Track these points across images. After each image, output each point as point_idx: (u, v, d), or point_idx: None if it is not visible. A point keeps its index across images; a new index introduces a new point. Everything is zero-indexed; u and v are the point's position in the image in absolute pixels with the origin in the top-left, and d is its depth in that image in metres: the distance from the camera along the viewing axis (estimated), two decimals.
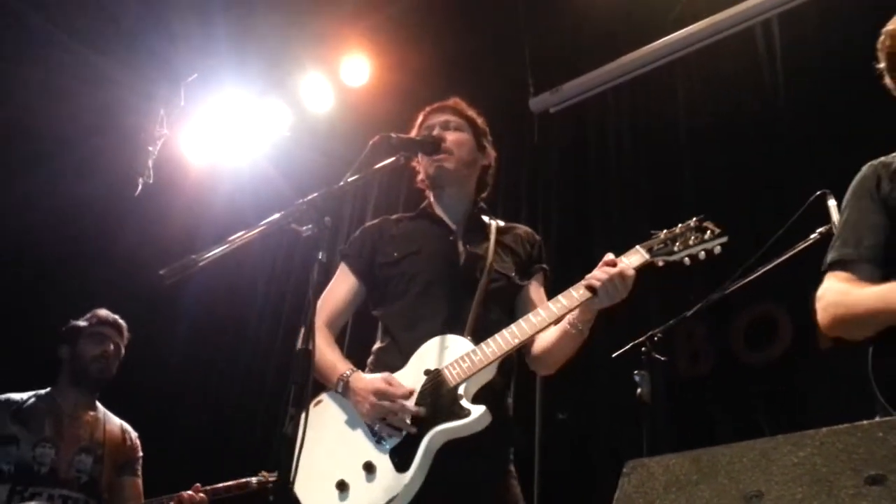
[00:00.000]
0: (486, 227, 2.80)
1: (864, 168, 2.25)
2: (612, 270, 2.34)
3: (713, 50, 4.75)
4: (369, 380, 2.42)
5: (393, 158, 2.55)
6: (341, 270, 2.75)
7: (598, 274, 2.37)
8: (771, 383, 3.98)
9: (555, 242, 5.01)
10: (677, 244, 2.36)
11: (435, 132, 2.80)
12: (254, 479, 3.82)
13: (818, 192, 3.04)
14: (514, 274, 2.71)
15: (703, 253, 2.35)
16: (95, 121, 5.31)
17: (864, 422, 1.28)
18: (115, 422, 3.96)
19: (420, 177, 2.87)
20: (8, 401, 3.74)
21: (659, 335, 3.21)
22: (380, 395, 2.35)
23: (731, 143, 4.52)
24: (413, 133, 2.88)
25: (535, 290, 2.76)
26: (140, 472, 3.94)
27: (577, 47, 5.23)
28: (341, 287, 2.71)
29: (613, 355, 3.25)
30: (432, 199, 2.86)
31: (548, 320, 2.41)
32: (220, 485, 3.81)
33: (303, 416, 1.87)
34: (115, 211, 5.68)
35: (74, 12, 5.03)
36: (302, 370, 1.94)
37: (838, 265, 2.16)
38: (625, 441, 4.11)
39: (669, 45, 4.82)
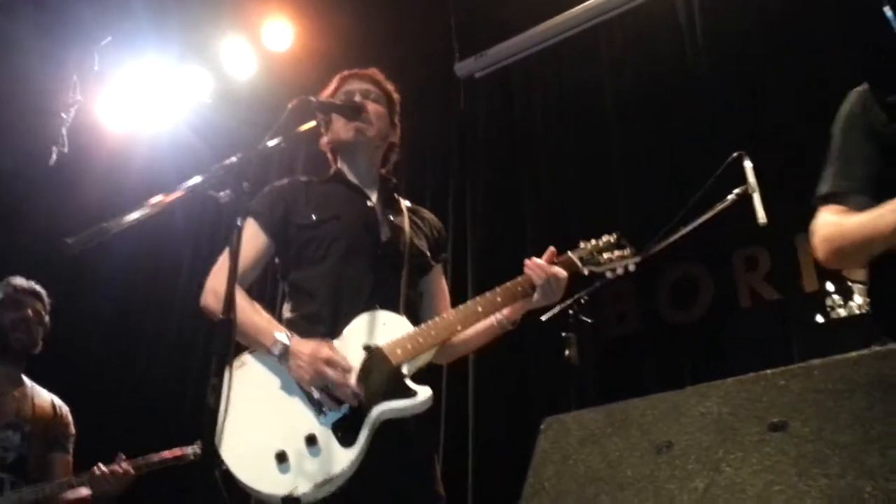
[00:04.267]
0: (398, 202, 2.80)
1: (850, 95, 2.18)
2: (550, 270, 2.49)
3: (635, 14, 4.80)
4: (315, 345, 2.32)
5: (314, 123, 2.50)
6: (250, 226, 2.58)
7: (536, 270, 2.48)
8: (695, 341, 4.10)
9: (483, 208, 5.04)
10: (603, 256, 2.61)
11: (356, 98, 2.75)
12: (189, 449, 3.59)
13: (735, 154, 3.11)
14: (428, 254, 2.73)
15: (621, 269, 2.61)
16: (4, 88, 5.07)
17: (768, 371, 1.32)
18: (45, 396, 3.78)
19: (326, 140, 2.81)
20: None
21: (585, 297, 3.26)
22: (328, 362, 2.28)
23: (653, 105, 4.60)
24: (326, 96, 2.82)
25: (439, 278, 2.81)
26: (70, 449, 3.78)
27: (501, 12, 5.21)
28: (251, 244, 2.55)
29: (542, 318, 3.29)
30: (342, 165, 2.80)
31: (488, 311, 2.48)
32: (154, 456, 3.57)
33: (224, 387, 1.83)
34: (29, 181, 5.46)
35: None
36: (223, 340, 1.91)
37: (831, 198, 2.11)
38: (555, 402, 4.19)
39: (592, 9, 4.85)
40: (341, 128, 2.72)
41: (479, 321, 2.50)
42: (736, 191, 3.10)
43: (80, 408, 3.99)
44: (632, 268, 2.60)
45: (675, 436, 1.32)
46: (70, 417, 3.83)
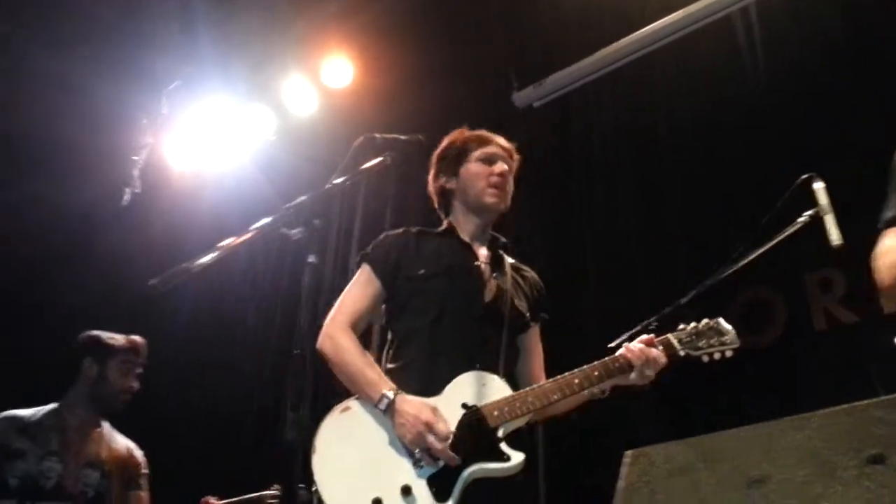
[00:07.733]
0: (504, 260, 2.84)
1: None
2: (650, 354, 2.53)
3: (693, 38, 4.76)
4: (419, 407, 2.40)
5: (379, 159, 2.55)
6: (364, 273, 2.69)
7: (636, 354, 2.53)
8: (767, 367, 4.00)
9: (543, 239, 5.01)
10: (702, 342, 2.61)
11: (497, 166, 2.81)
12: (267, 493, 3.77)
13: (804, 176, 3.05)
14: (528, 315, 2.77)
15: (718, 354, 2.60)
16: (78, 132, 5.27)
17: (862, 402, 1.28)
18: (120, 440, 3.88)
19: (445, 185, 2.87)
20: (14, 417, 3.64)
21: (654, 323, 3.21)
22: (429, 427, 2.35)
23: (716, 130, 4.53)
24: (458, 144, 2.89)
25: (536, 337, 2.85)
26: (146, 487, 3.85)
27: (558, 41, 5.22)
28: (366, 290, 2.67)
29: (610, 345, 3.25)
30: (458, 216, 2.86)
31: (583, 385, 2.51)
32: (233, 500, 3.78)
33: (296, 420, 1.88)
34: (101, 220, 5.64)
35: (53, 24, 5.00)
36: (298, 375, 1.94)
37: (895, 223, 2.09)
38: (624, 429, 4.12)
39: (650, 35, 4.82)
40: (482, 189, 2.80)
41: (576, 393, 2.51)
42: (808, 213, 3.04)
43: (152, 448, 4.07)
44: (729, 354, 2.59)
45: (768, 469, 1.29)
46: (143, 458, 3.92)
